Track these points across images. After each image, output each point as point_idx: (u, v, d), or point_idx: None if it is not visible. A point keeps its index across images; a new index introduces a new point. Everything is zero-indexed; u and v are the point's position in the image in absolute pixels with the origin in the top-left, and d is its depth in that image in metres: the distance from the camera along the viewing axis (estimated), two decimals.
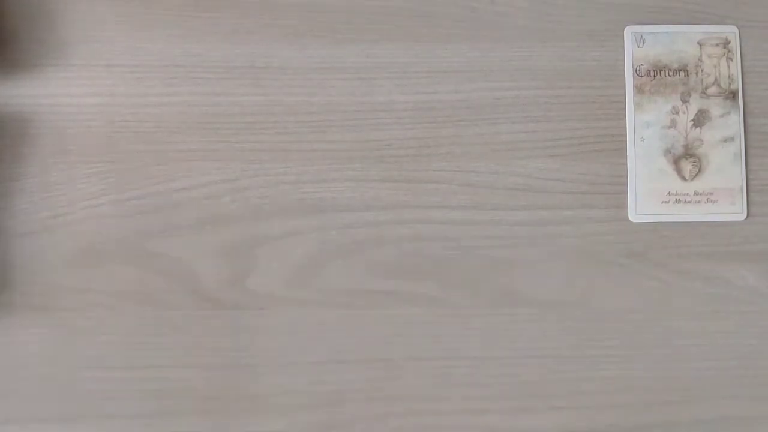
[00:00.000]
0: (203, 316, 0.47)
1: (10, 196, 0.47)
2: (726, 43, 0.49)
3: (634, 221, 0.48)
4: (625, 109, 0.49)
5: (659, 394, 0.47)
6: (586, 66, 0.49)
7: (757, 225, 0.48)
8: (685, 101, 0.49)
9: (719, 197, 0.48)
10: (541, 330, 0.47)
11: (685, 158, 0.48)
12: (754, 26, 0.49)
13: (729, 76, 0.49)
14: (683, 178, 0.48)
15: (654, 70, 0.49)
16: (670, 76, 0.49)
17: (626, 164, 0.48)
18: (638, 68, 0.49)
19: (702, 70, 0.49)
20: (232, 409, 0.46)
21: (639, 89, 0.49)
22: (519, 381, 0.47)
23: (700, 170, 0.48)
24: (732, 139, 0.48)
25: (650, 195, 0.48)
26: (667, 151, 0.48)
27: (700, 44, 0.49)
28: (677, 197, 0.48)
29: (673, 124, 0.48)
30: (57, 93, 0.48)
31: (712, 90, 0.49)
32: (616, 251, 0.48)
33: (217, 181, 0.47)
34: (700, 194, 0.48)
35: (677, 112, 0.49)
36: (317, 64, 0.48)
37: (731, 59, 0.49)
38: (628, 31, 0.49)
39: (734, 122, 0.49)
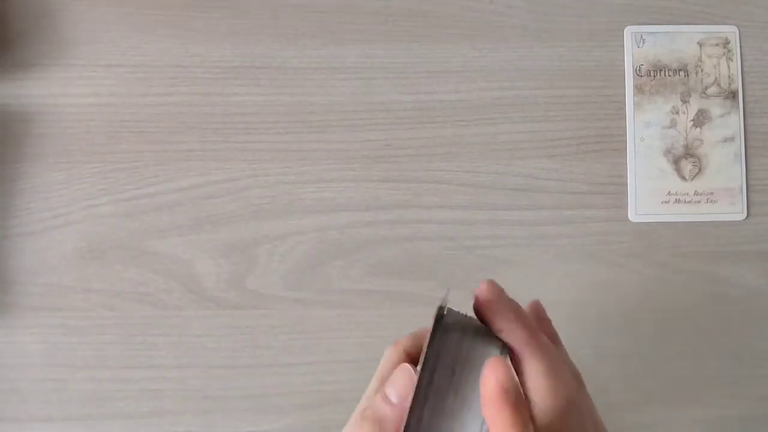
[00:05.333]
0: (203, 316, 0.47)
1: (10, 196, 0.47)
2: (726, 43, 0.49)
3: (634, 221, 0.48)
4: (625, 109, 0.49)
5: (659, 393, 0.47)
6: (586, 66, 0.49)
7: (757, 225, 0.48)
8: (685, 101, 0.49)
9: (719, 197, 0.48)
10: None
11: (685, 158, 0.48)
12: (754, 26, 0.49)
13: (729, 76, 0.49)
14: (683, 178, 0.48)
15: (654, 70, 0.49)
16: (670, 76, 0.49)
17: (626, 164, 0.48)
18: (638, 68, 0.49)
19: (702, 70, 0.49)
20: (232, 409, 0.46)
21: (639, 89, 0.49)
22: None
23: (700, 170, 0.48)
24: (732, 139, 0.48)
25: (650, 195, 0.48)
26: (667, 151, 0.48)
27: (700, 44, 0.49)
28: (677, 197, 0.48)
29: (673, 124, 0.48)
30: (58, 93, 0.48)
31: (712, 90, 0.49)
32: (616, 251, 0.48)
33: (217, 181, 0.47)
34: (700, 194, 0.48)
35: (677, 112, 0.49)
36: (317, 64, 0.48)
37: (731, 59, 0.49)
38: (628, 31, 0.49)
39: (734, 122, 0.49)
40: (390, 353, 0.31)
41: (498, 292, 0.31)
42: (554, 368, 0.29)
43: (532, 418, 0.28)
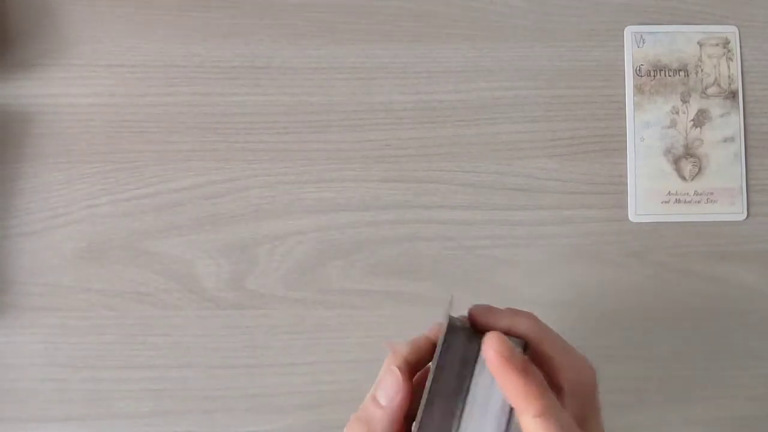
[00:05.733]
0: (203, 316, 0.47)
1: (10, 196, 0.47)
2: (726, 43, 0.49)
3: (634, 221, 0.48)
4: (625, 109, 0.49)
5: (657, 393, 0.47)
6: (586, 66, 0.49)
7: (757, 225, 0.48)
8: (685, 101, 0.49)
9: (719, 197, 0.48)
10: None
11: (685, 158, 0.48)
12: (754, 26, 0.49)
13: (729, 76, 0.49)
14: (683, 178, 0.48)
15: (654, 70, 0.49)
16: (670, 76, 0.49)
17: (626, 164, 0.48)
18: (638, 68, 0.49)
19: (702, 70, 0.49)
20: (232, 409, 0.46)
21: (639, 89, 0.49)
22: None
23: (700, 170, 0.48)
24: (732, 139, 0.48)
25: (650, 195, 0.48)
26: (667, 151, 0.48)
27: (700, 44, 0.49)
28: (677, 197, 0.48)
29: (673, 124, 0.48)
30: (58, 93, 0.48)
31: (712, 90, 0.49)
32: (616, 251, 0.48)
33: (217, 181, 0.47)
34: (700, 194, 0.48)
35: (677, 112, 0.49)
36: (317, 64, 0.48)
37: (731, 59, 0.49)
38: (628, 31, 0.49)
39: (734, 122, 0.49)
40: (389, 362, 0.31)
41: (488, 305, 0.32)
42: (572, 348, 0.30)
43: (561, 402, 0.29)
